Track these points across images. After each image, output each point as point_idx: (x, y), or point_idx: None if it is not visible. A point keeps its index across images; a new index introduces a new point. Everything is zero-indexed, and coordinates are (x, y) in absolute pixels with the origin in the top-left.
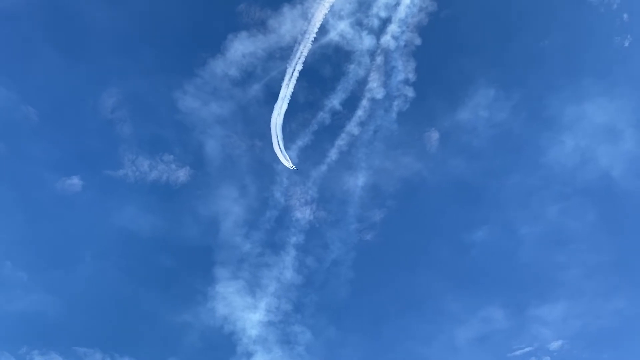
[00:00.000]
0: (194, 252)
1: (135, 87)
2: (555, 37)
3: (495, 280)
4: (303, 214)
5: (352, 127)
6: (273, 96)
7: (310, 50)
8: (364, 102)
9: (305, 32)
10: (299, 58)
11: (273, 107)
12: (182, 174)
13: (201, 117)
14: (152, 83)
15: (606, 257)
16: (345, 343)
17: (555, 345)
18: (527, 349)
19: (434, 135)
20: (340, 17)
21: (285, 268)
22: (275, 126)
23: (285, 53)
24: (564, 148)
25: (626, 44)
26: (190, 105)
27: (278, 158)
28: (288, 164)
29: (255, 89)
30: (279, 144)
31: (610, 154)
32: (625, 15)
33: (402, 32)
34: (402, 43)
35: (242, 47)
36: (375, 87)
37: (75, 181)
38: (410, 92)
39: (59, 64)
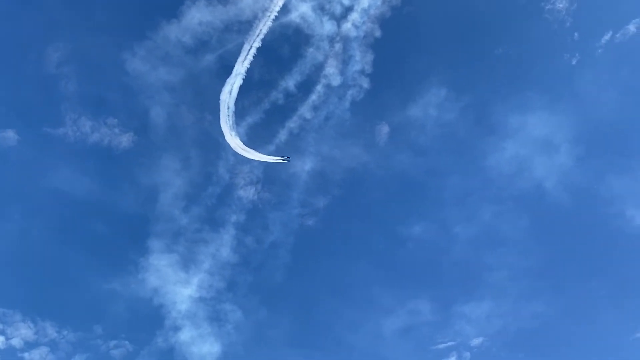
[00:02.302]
0: (129, 220)
1: (83, 43)
2: (509, 46)
3: (426, 275)
4: (247, 193)
5: (304, 110)
6: (227, 70)
7: (269, 29)
8: (319, 88)
9: (266, 10)
10: (258, 35)
11: (225, 81)
12: (125, 140)
13: (149, 82)
14: (101, 41)
15: (531, 263)
16: (274, 325)
17: (476, 341)
18: (449, 344)
19: (384, 128)
20: None
21: (223, 246)
22: (227, 101)
23: (244, 27)
24: (504, 154)
25: (573, 62)
26: (139, 68)
27: (224, 133)
28: (273, 158)
29: (209, 60)
30: (227, 121)
31: (545, 165)
32: (576, 34)
33: (364, 22)
34: (362, 33)
35: (199, 15)
36: (331, 74)
37: (10, 135)
38: (365, 83)
39: (3, 10)
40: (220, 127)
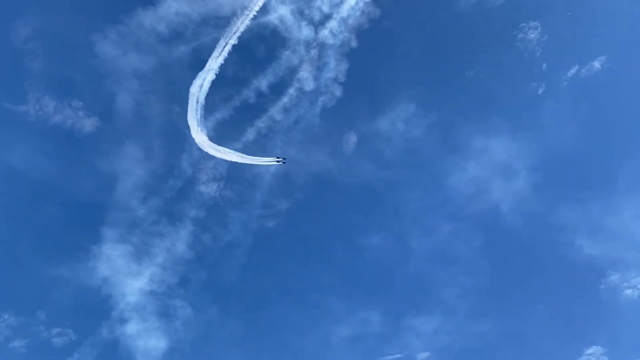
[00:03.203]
0: (84, 206)
1: (53, 20)
2: (479, 70)
3: (379, 286)
4: (208, 189)
5: (275, 112)
6: (200, 63)
7: (247, 27)
8: (292, 91)
9: (245, 8)
10: (235, 32)
11: (197, 75)
12: (89, 124)
13: (119, 67)
14: (72, 20)
15: (481, 282)
16: (224, 325)
17: (422, 356)
18: (396, 356)
19: (352, 137)
20: (283, 2)
21: (179, 241)
22: (197, 95)
23: (221, 23)
24: (464, 175)
25: (540, 92)
26: (109, 52)
27: (191, 127)
28: (267, 160)
29: (182, 51)
30: (195, 114)
31: (503, 189)
32: (544, 65)
33: (341, 31)
34: (338, 42)
35: (177, 5)
36: (305, 79)
37: None
38: (337, 91)
39: None
40: (187, 120)
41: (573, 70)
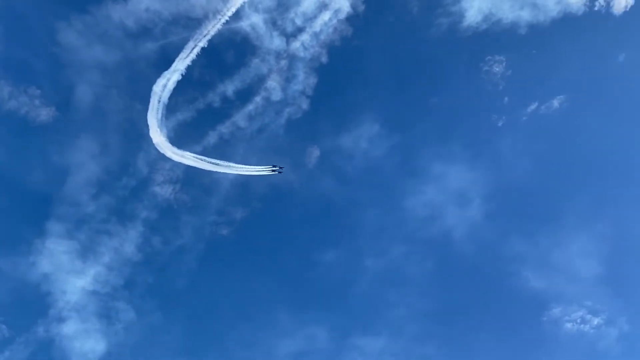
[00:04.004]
0: (31, 197)
1: (16, 2)
2: (444, 97)
3: (329, 302)
4: (163, 191)
5: (239, 118)
6: (166, 63)
7: (218, 31)
8: (258, 99)
9: (218, 12)
10: (205, 35)
11: (162, 74)
12: (45, 113)
13: (82, 58)
14: (36, 4)
15: (429, 306)
16: (167, 332)
17: None
18: None
19: (315, 151)
20: (257, 10)
21: (127, 241)
22: (160, 94)
23: (192, 24)
24: (421, 198)
25: (499, 124)
26: (72, 41)
27: (150, 126)
28: (261, 168)
29: (149, 48)
30: (156, 114)
31: (456, 216)
32: (506, 99)
33: (312, 45)
34: (309, 55)
35: (148, 1)
36: (272, 88)
37: None
38: (304, 104)
39: None
40: (148, 119)
41: (533, 107)
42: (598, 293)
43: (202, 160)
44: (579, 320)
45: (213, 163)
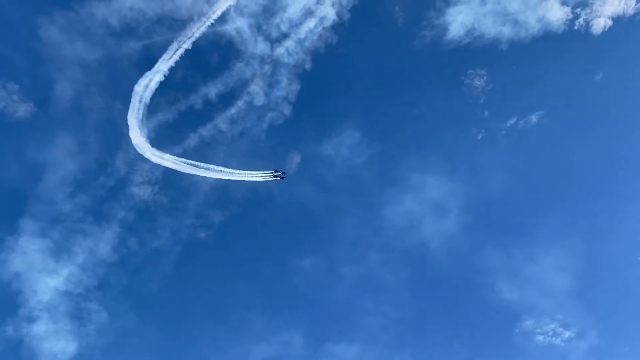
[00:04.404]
0: (5, 194)
1: None
2: (425, 109)
3: (305, 309)
4: (141, 191)
5: (220, 121)
6: (149, 63)
7: (203, 33)
8: (240, 103)
9: (203, 14)
10: (190, 37)
11: (144, 74)
12: (23, 109)
13: (63, 54)
14: None
15: (404, 315)
16: (140, 335)
17: None
18: None
19: (296, 157)
20: (242, 14)
21: (103, 241)
22: (141, 94)
23: (176, 25)
24: (400, 207)
25: (479, 137)
26: (54, 37)
27: (130, 126)
28: (262, 174)
29: (132, 48)
30: (137, 114)
31: (433, 226)
32: (486, 112)
33: (297, 51)
34: (293, 62)
35: (132, 0)
36: (255, 93)
37: None
38: (287, 110)
39: None
40: (128, 119)
41: (512, 121)
42: (570, 307)
43: (190, 165)
44: (550, 333)
45: (204, 168)
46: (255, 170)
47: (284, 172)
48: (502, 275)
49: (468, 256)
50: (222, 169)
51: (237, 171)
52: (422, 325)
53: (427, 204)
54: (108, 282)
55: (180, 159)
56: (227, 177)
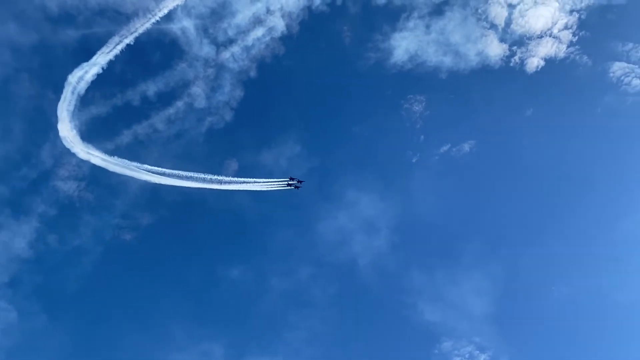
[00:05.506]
0: None
1: None
2: (365, 128)
3: (229, 319)
4: (66, 187)
5: (157, 120)
6: (86, 54)
7: (146, 30)
8: (180, 104)
9: (149, 10)
10: (133, 32)
11: (80, 65)
12: None
13: None
14: None
15: (328, 329)
16: (51, 337)
17: None
18: None
19: (233, 164)
20: (189, 15)
21: (19, 236)
22: (74, 85)
23: (120, 19)
24: (334, 223)
25: (414, 160)
26: None
27: (59, 118)
28: (277, 182)
29: (70, 36)
30: (68, 105)
31: (363, 244)
32: (422, 137)
33: (243, 58)
34: (237, 67)
35: None
36: (197, 95)
37: None
38: (228, 116)
39: None
40: (58, 110)
41: (445, 148)
42: (486, 331)
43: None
44: (467, 356)
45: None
46: (267, 179)
47: (300, 180)
48: (425, 296)
49: (394, 275)
50: (229, 178)
51: (248, 179)
52: (345, 341)
53: (359, 222)
54: (20, 280)
55: (138, 165)
56: (237, 188)
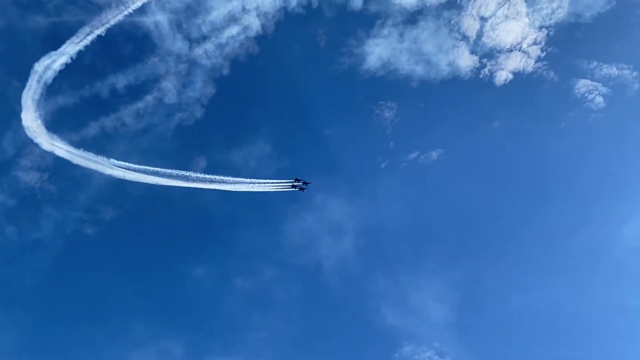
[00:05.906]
0: None
1: None
2: (336, 131)
3: (190, 318)
4: (28, 177)
5: (126, 113)
6: (55, 42)
7: (119, 21)
8: (150, 98)
9: (122, 2)
10: (104, 23)
11: (48, 53)
12: None
13: None
14: None
15: (291, 331)
16: (6, 330)
17: None
18: None
19: (202, 162)
20: (163, 9)
21: None
22: (41, 75)
23: (91, 8)
24: (302, 224)
25: (382, 166)
26: None
27: (23, 106)
28: (282, 183)
29: (39, 23)
30: (33, 94)
31: (329, 247)
32: (392, 143)
33: (216, 55)
34: (210, 65)
35: None
36: (167, 90)
37: None
38: (198, 113)
39: None
40: (22, 98)
41: (414, 155)
42: (446, 336)
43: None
44: None
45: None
46: (271, 180)
47: (306, 181)
48: (387, 300)
49: (358, 279)
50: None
51: (251, 180)
52: (307, 343)
53: (325, 224)
54: None
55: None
56: (240, 189)
